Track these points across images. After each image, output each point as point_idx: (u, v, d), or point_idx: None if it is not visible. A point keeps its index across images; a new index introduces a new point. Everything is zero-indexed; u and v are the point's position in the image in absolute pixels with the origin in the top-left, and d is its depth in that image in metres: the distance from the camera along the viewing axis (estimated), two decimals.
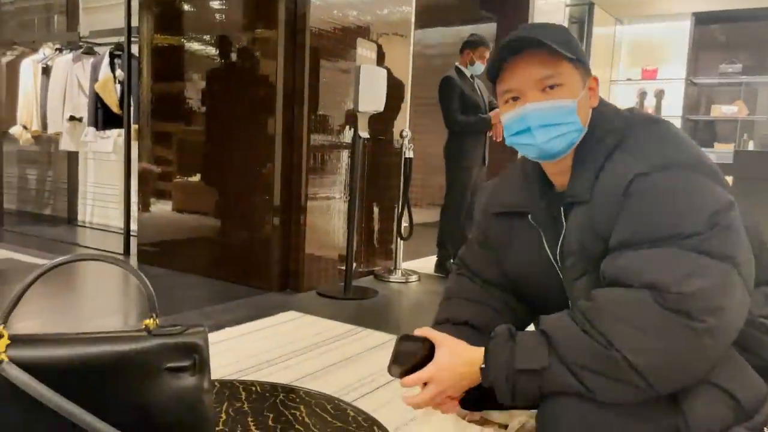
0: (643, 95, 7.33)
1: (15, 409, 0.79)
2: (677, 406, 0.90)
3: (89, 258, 0.90)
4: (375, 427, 1.14)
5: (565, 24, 7.22)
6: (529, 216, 1.12)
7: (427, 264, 4.31)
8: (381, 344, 2.60)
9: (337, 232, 3.69)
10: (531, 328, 1.05)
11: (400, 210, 4.03)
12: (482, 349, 1.00)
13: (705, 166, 0.95)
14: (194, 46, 3.74)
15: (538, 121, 1.02)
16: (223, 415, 1.14)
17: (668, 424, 0.90)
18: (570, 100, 1.02)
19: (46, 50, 4.93)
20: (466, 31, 4.89)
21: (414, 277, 3.98)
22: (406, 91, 4.14)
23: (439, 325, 1.20)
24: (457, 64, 4.08)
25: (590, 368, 0.89)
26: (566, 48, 1.01)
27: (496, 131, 4.03)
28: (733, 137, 7.23)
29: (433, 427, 1.13)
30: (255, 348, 2.46)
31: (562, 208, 1.05)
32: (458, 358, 1.01)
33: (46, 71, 4.86)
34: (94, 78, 4.50)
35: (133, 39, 4.12)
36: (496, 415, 1.10)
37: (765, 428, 0.92)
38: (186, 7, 3.78)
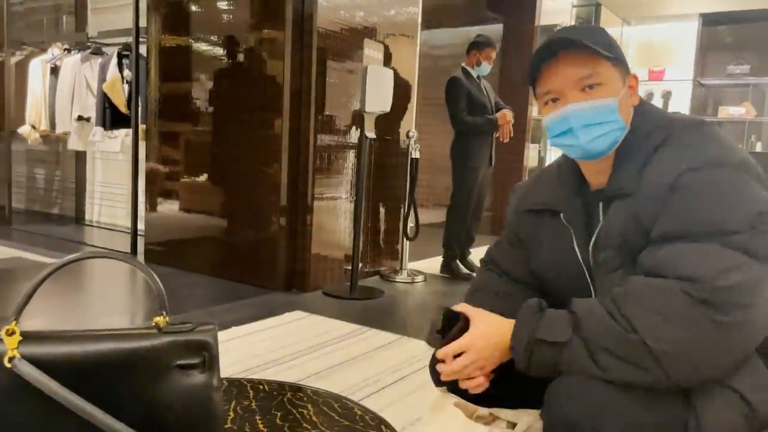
0: (650, 96, 7.30)
1: (27, 405, 0.80)
2: (689, 403, 0.90)
3: (101, 256, 0.90)
4: (382, 426, 1.14)
5: (572, 24, 7.21)
6: (562, 215, 1.13)
7: (433, 264, 4.31)
8: (387, 344, 2.60)
9: (343, 232, 3.70)
10: None
11: (406, 210, 4.03)
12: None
13: (752, 168, 0.96)
14: (202, 46, 3.76)
15: (580, 121, 1.03)
16: (232, 414, 1.15)
17: (676, 417, 0.89)
18: (611, 99, 1.02)
19: (55, 50, 4.96)
20: (472, 31, 4.89)
21: (420, 278, 3.99)
22: (412, 92, 4.14)
23: None
24: (463, 64, 4.08)
25: (609, 350, 0.90)
26: (604, 47, 1.01)
27: (502, 132, 4.03)
28: (740, 139, 7.20)
29: (440, 426, 1.13)
30: (261, 347, 2.47)
31: (601, 204, 1.06)
32: (493, 329, 1.03)
33: (55, 71, 4.89)
34: (102, 78, 4.52)
35: (141, 39, 4.14)
36: (505, 413, 1.10)
37: None
38: (194, 7, 3.80)
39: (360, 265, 3.58)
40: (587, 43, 0.99)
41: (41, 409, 0.79)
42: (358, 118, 3.61)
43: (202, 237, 3.81)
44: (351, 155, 3.68)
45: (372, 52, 3.64)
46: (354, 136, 3.67)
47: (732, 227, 0.89)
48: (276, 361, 2.32)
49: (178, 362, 0.85)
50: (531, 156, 6.39)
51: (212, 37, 3.70)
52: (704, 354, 0.87)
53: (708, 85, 7.56)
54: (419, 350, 2.53)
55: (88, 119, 4.71)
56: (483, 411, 1.10)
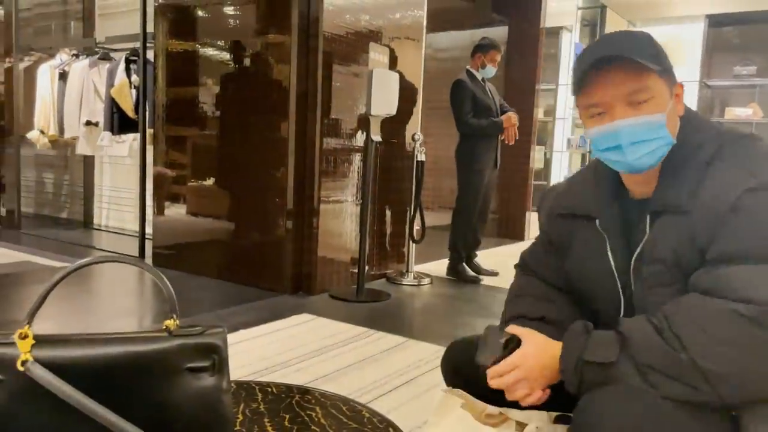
0: None
1: (40, 408, 0.81)
2: (735, 420, 0.90)
3: (112, 260, 0.92)
4: (390, 429, 1.15)
5: (577, 27, 7.21)
6: (597, 221, 1.11)
7: (440, 267, 4.31)
8: (394, 347, 2.61)
9: (349, 235, 3.71)
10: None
11: (412, 213, 4.04)
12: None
13: None
14: (208, 51, 3.78)
15: (628, 138, 1.01)
16: (240, 416, 1.16)
17: (720, 430, 0.89)
18: (659, 114, 1.00)
19: (63, 56, 5.00)
20: (477, 34, 4.90)
21: (426, 280, 3.99)
22: (418, 95, 4.15)
23: (512, 321, 1.20)
24: (468, 67, 4.09)
25: (657, 369, 0.90)
26: (653, 59, 0.99)
27: (507, 135, 4.03)
28: None
29: (448, 428, 1.13)
30: (268, 350, 2.48)
31: (648, 216, 1.04)
32: (544, 350, 1.04)
33: (63, 77, 4.93)
34: (110, 83, 4.55)
35: (148, 44, 4.17)
36: (515, 413, 1.10)
37: None
38: (200, 12, 3.83)
39: (366, 267, 3.59)
40: (638, 59, 0.97)
41: (54, 412, 0.81)
42: (363, 122, 3.62)
43: (210, 240, 3.83)
44: (357, 158, 3.70)
45: (377, 55, 3.66)
46: (360, 139, 3.68)
47: None
48: (284, 363, 2.33)
49: (189, 365, 0.86)
50: (537, 158, 6.39)
51: (219, 42, 3.73)
52: (756, 375, 0.87)
53: (714, 87, 7.54)
54: (426, 353, 2.54)
55: (96, 124, 4.74)
56: (493, 410, 1.10)
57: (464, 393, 1.12)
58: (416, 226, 4.03)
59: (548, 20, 5.97)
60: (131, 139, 4.56)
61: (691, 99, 7.27)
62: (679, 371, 0.88)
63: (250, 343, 2.57)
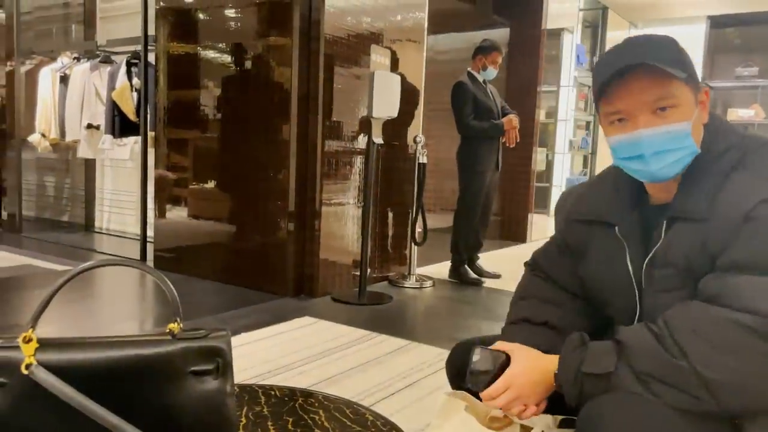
0: None
1: (44, 412, 0.80)
2: (737, 428, 0.90)
3: (116, 263, 0.91)
4: None
5: (579, 28, 7.21)
6: (616, 228, 1.10)
7: (442, 269, 4.30)
8: (396, 349, 2.60)
9: (351, 237, 3.70)
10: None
11: (414, 215, 4.03)
12: (556, 357, 1.02)
13: None
14: (210, 54, 3.79)
15: (652, 148, 0.98)
16: (244, 419, 1.15)
17: None
18: (685, 123, 0.98)
19: (64, 59, 5.01)
20: (479, 36, 4.90)
21: (428, 283, 3.98)
22: (419, 97, 4.15)
23: (515, 324, 1.19)
24: (469, 69, 4.09)
25: (657, 377, 0.89)
26: (679, 65, 0.97)
27: (508, 137, 4.03)
28: None
29: (451, 431, 1.12)
30: (271, 353, 2.48)
31: (665, 222, 1.03)
32: (534, 367, 1.04)
33: (64, 80, 4.94)
34: (111, 86, 4.56)
35: (149, 47, 4.18)
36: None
37: None
38: (201, 15, 3.83)
39: (368, 270, 3.59)
40: (664, 67, 0.94)
41: (58, 416, 0.80)
42: (365, 124, 3.62)
43: (211, 243, 3.82)
44: (359, 160, 3.69)
45: (379, 57, 3.66)
46: (361, 141, 3.68)
47: None
48: (286, 366, 2.33)
49: (192, 368, 0.86)
50: (539, 160, 6.39)
51: (220, 45, 3.73)
52: (757, 385, 0.86)
53: (717, 88, 7.54)
54: (429, 355, 2.53)
55: (97, 127, 4.75)
56: (497, 412, 1.09)
57: (468, 395, 1.11)
58: (418, 229, 4.03)
59: (549, 22, 5.97)
60: (132, 142, 4.57)
61: None
62: (679, 379, 0.87)
63: (252, 346, 2.57)
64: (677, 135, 0.98)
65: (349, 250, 3.70)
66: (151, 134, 4.23)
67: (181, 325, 0.87)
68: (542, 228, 6.17)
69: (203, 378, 0.86)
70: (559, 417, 1.10)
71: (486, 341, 1.15)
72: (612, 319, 1.13)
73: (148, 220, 4.26)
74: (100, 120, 4.69)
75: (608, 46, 7.52)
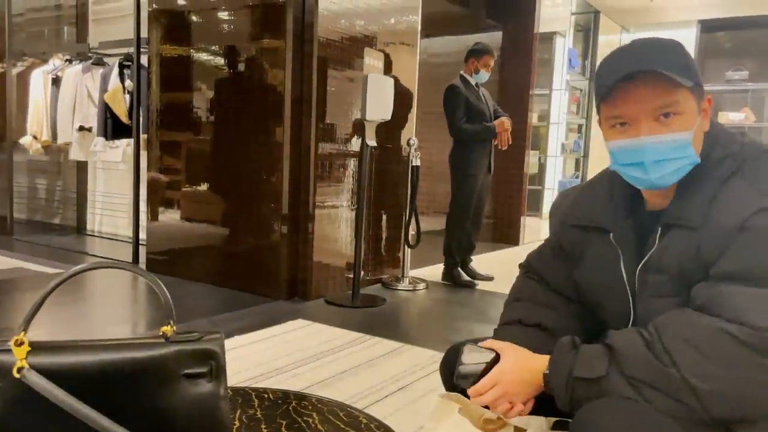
0: None
1: (36, 415, 0.80)
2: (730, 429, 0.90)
3: (109, 266, 0.91)
4: None
5: (571, 32, 7.24)
6: (611, 235, 1.09)
7: (435, 272, 4.31)
8: (390, 352, 2.60)
9: (344, 240, 3.70)
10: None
11: (407, 218, 4.04)
12: (546, 357, 1.02)
13: None
14: (203, 56, 3.78)
15: (653, 156, 0.97)
16: (237, 422, 1.15)
17: None
18: (687, 132, 0.97)
19: (56, 61, 4.99)
20: (472, 39, 4.92)
21: (422, 285, 3.99)
22: (412, 100, 4.16)
23: (508, 325, 1.19)
24: (462, 72, 4.10)
25: (647, 382, 0.89)
26: (685, 72, 0.95)
27: (500, 140, 4.04)
28: None
29: None
30: (264, 356, 2.47)
31: (659, 228, 1.03)
32: (523, 365, 1.03)
33: (56, 82, 4.91)
34: (103, 88, 4.54)
35: (142, 50, 4.16)
36: (513, 419, 1.09)
37: None
38: (194, 18, 3.82)
39: (362, 273, 3.58)
40: (669, 74, 0.93)
41: (50, 419, 0.80)
42: (359, 126, 3.62)
43: (204, 246, 3.81)
44: (352, 163, 3.70)
45: (372, 60, 3.66)
46: (355, 144, 3.68)
47: None
48: (280, 369, 2.32)
49: (186, 371, 0.86)
50: (531, 163, 6.41)
51: (213, 47, 3.72)
52: (747, 394, 0.87)
53: (707, 91, 7.58)
54: (422, 358, 2.53)
55: (89, 129, 4.73)
56: (491, 415, 1.09)
57: (462, 397, 1.11)
58: (411, 231, 4.03)
59: (542, 25, 6.00)
60: (125, 145, 4.55)
61: None
62: (669, 387, 0.88)
63: (245, 349, 2.56)
64: (679, 144, 0.97)
65: (343, 253, 3.70)
66: (143, 136, 4.22)
67: (174, 328, 0.87)
68: (535, 231, 6.20)
69: (196, 381, 0.86)
70: (553, 419, 1.10)
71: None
72: (606, 323, 1.13)
73: (140, 222, 4.24)
74: (92, 122, 4.67)
75: (600, 50, 7.57)
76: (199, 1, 3.78)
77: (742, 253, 0.91)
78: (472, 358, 1.07)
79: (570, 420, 0.98)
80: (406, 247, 4.08)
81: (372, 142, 3.53)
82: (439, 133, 4.39)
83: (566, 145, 7.66)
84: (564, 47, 7.17)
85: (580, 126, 8.14)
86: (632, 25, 8.08)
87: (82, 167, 5.59)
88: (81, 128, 4.75)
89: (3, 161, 5.25)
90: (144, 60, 4.15)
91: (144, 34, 4.09)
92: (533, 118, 6.27)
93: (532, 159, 6.47)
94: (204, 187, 3.83)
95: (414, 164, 3.94)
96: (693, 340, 0.88)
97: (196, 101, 3.81)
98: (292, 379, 2.23)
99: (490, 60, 4.07)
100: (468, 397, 1.10)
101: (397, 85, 3.78)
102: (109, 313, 3.22)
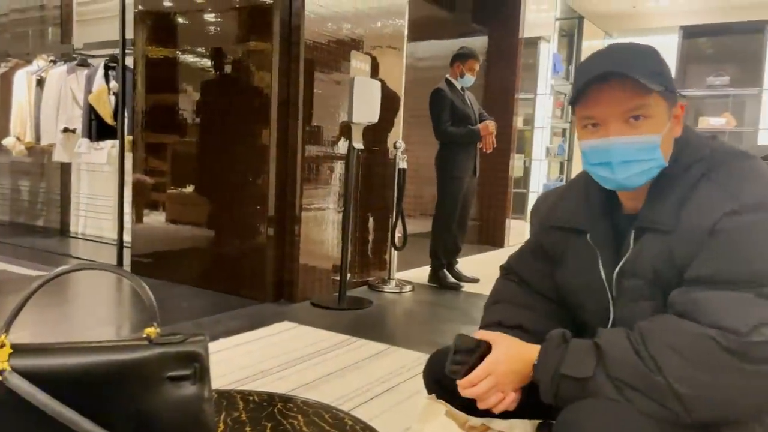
0: None
1: (18, 418, 0.80)
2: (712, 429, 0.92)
3: (92, 267, 0.91)
4: None
5: (555, 37, 7.31)
6: (588, 236, 1.11)
7: (421, 274, 4.32)
8: (376, 354, 2.61)
9: (331, 242, 3.70)
10: None
11: (393, 220, 4.05)
12: (537, 347, 1.03)
13: None
14: (189, 58, 3.76)
15: (620, 156, 1.00)
16: (222, 425, 1.15)
17: None
18: (654, 136, 0.99)
19: (40, 62, 4.94)
20: (458, 44, 4.95)
21: (408, 287, 4.00)
22: (399, 103, 4.17)
23: (489, 327, 1.19)
24: (447, 76, 4.12)
25: (632, 386, 0.91)
26: (656, 77, 0.98)
27: (485, 142, 4.07)
28: None
29: None
30: (250, 359, 2.46)
31: (633, 231, 1.04)
32: (515, 354, 1.04)
33: (40, 83, 4.86)
34: (88, 89, 4.51)
35: (127, 51, 4.14)
36: (497, 423, 1.10)
37: None
38: (181, 19, 3.81)
39: (348, 275, 3.59)
40: (640, 79, 0.95)
41: (33, 422, 0.79)
42: (345, 129, 3.63)
43: (190, 248, 3.79)
44: (339, 166, 3.70)
45: (359, 63, 3.67)
46: (342, 146, 3.68)
47: None
48: (265, 372, 2.32)
49: (169, 374, 0.86)
50: (516, 166, 6.45)
51: (199, 49, 3.71)
52: (729, 399, 0.88)
53: (689, 96, 7.69)
54: (408, 360, 2.54)
55: (73, 131, 4.68)
56: (475, 421, 1.10)
57: (446, 404, 1.12)
58: (398, 234, 4.04)
59: (527, 30, 6.05)
60: (110, 146, 4.51)
61: None
62: (654, 391, 0.89)
63: (231, 351, 2.55)
64: (646, 146, 0.99)
65: (329, 255, 3.70)
66: (128, 138, 4.19)
67: (158, 330, 0.87)
68: (520, 233, 6.23)
69: (180, 383, 0.86)
70: (537, 421, 1.12)
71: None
72: (586, 323, 1.15)
73: (125, 224, 4.21)
74: (77, 123, 4.63)
75: (584, 55, 7.64)
76: (185, 2, 3.76)
77: (714, 257, 0.93)
78: (463, 348, 1.06)
79: (553, 422, 0.99)
80: (392, 249, 4.09)
81: (359, 144, 3.54)
82: (425, 136, 4.41)
83: (551, 149, 7.73)
84: (548, 52, 7.24)
85: (564, 130, 8.21)
86: (616, 30, 8.17)
87: (66, 169, 5.54)
88: (65, 130, 4.70)
89: None
90: (129, 61, 4.12)
91: (129, 35, 4.07)
92: (518, 122, 6.32)
93: (517, 162, 6.51)
94: (190, 189, 3.81)
95: (401, 167, 3.96)
96: (677, 346, 0.90)
97: (182, 103, 3.79)
98: (278, 381, 2.23)
99: (475, 64, 4.10)
100: (454, 402, 1.10)
101: (384, 88, 3.79)
102: (93, 315, 3.19)
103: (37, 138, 4.90)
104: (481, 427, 1.12)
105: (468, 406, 1.08)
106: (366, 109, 3.48)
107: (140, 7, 3.93)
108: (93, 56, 4.74)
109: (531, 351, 1.03)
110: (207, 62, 3.68)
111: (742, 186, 0.95)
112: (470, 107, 4.10)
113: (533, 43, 6.99)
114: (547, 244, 1.22)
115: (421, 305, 3.70)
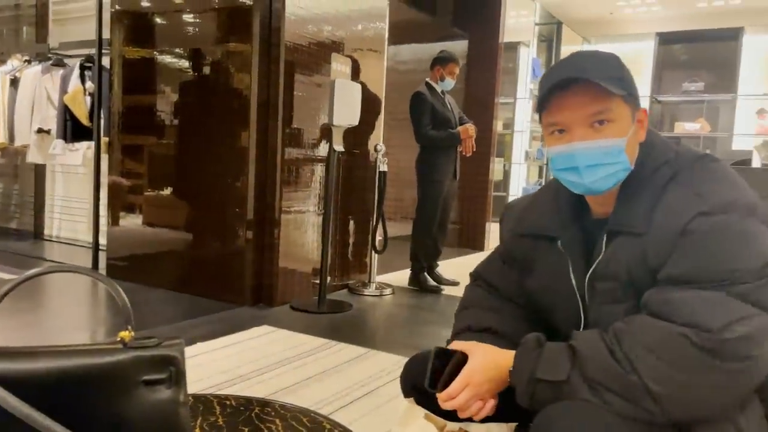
0: None
1: None
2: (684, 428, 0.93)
3: (64, 270, 0.89)
4: None
5: (535, 42, 7.39)
6: (559, 242, 1.12)
7: (401, 277, 4.32)
8: (356, 358, 2.60)
9: (311, 245, 3.68)
10: None
11: (374, 223, 4.04)
12: (512, 353, 1.03)
13: (761, 210, 0.97)
14: (166, 58, 3.72)
15: (585, 161, 1.01)
16: (198, 430, 1.13)
17: None
18: (619, 139, 1.01)
19: (15, 62, 4.85)
20: (438, 47, 4.97)
21: (388, 291, 3.99)
22: (380, 106, 4.18)
23: (459, 333, 1.20)
24: (427, 79, 4.14)
25: (608, 387, 0.91)
26: (618, 82, 1.00)
27: (465, 146, 4.09)
28: None
29: None
30: (228, 363, 2.44)
31: (605, 236, 1.05)
32: (489, 362, 1.04)
33: (14, 83, 4.77)
34: (63, 90, 4.43)
35: (104, 51, 4.08)
36: (475, 427, 1.10)
37: None
38: (158, 20, 3.77)
39: (328, 278, 3.57)
40: (601, 83, 0.98)
41: (4, 428, 0.77)
42: (326, 132, 3.62)
43: (167, 251, 3.75)
44: (319, 168, 3.69)
45: (339, 66, 3.67)
46: (322, 149, 3.67)
47: (739, 277, 0.91)
48: (243, 376, 2.29)
49: (144, 378, 0.84)
50: (496, 170, 6.50)
51: (177, 50, 3.67)
52: (704, 398, 0.90)
53: (664, 102, 7.83)
54: (388, 363, 2.53)
55: (48, 132, 4.60)
56: (453, 426, 1.10)
57: (424, 410, 1.12)
58: (378, 237, 4.04)
59: (507, 35, 6.11)
60: (85, 148, 4.44)
61: None
62: (629, 392, 0.90)
63: (208, 355, 2.52)
64: (611, 150, 1.01)
65: (309, 258, 3.69)
66: (104, 139, 4.12)
67: (133, 333, 0.85)
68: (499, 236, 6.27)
69: (156, 387, 0.85)
70: (513, 424, 1.12)
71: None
72: (558, 328, 1.15)
73: (100, 227, 4.15)
74: (51, 124, 4.55)
75: None
76: (163, 2, 3.73)
77: (686, 258, 0.94)
78: (439, 362, 1.07)
79: (530, 424, 1.00)
80: (373, 252, 4.08)
81: (339, 147, 3.53)
82: (406, 139, 4.42)
83: (530, 153, 7.80)
84: (528, 57, 7.31)
85: (543, 134, 8.29)
86: (593, 36, 8.29)
87: (39, 170, 5.43)
88: (39, 130, 4.62)
89: None
90: (106, 62, 4.06)
91: (106, 35, 4.01)
92: (498, 126, 6.37)
93: (497, 166, 6.56)
94: (167, 191, 3.77)
95: (381, 170, 3.96)
96: (651, 346, 0.91)
97: (159, 104, 3.75)
98: (257, 385, 2.21)
99: (455, 68, 4.12)
100: (432, 406, 1.10)
101: (365, 90, 3.79)
102: (67, 319, 3.13)
103: (11, 139, 4.81)
104: (459, 431, 1.12)
105: (445, 412, 1.09)
106: (347, 111, 3.48)
107: (117, 7, 3.88)
108: (69, 56, 4.67)
109: (506, 357, 1.04)
110: (185, 63, 3.64)
111: (711, 187, 0.97)
112: (450, 111, 4.12)
113: (513, 47, 7.05)
114: (518, 253, 1.23)
115: (402, 308, 3.70)
